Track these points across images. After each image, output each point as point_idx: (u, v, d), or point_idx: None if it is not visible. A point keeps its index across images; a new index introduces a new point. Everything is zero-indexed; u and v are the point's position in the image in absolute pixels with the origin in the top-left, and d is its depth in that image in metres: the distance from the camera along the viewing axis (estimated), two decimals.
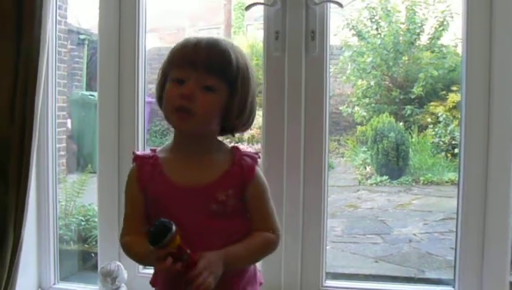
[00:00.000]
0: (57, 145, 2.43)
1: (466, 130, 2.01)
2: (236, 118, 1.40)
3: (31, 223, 2.26)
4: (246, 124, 1.44)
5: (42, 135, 2.25)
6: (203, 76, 1.34)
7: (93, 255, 2.74)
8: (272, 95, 2.11)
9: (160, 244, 1.23)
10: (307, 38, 2.05)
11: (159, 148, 1.47)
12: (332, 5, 2.06)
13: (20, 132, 2.00)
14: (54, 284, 2.35)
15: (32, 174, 2.08)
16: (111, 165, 2.24)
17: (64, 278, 2.42)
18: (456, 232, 2.09)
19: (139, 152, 1.48)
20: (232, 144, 1.51)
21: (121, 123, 2.23)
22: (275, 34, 2.06)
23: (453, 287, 2.08)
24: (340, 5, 2.04)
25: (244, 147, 1.41)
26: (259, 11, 2.15)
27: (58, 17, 2.38)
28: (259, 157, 1.45)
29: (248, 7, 2.12)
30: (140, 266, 2.24)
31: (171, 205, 1.38)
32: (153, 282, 1.50)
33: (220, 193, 1.38)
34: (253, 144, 6.02)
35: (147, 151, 1.47)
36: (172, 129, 1.44)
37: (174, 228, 1.24)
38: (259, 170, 1.44)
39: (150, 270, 2.20)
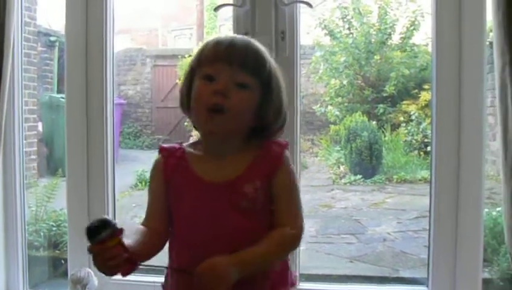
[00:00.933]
0: (28, 149, 2.39)
1: (437, 128, 2.02)
2: (274, 118, 1.34)
3: None
4: (282, 126, 1.38)
5: (9, 139, 2.20)
6: (237, 72, 1.28)
7: (63, 261, 2.68)
8: None
9: (95, 239, 1.19)
10: (277, 39, 2.03)
11: (186, 143, 1.41)
12: (302, 5, 2.05)
13: None
14: None
15: None
16: (80, 169, 2.20)
17: (33, 285, 2.38)
18: (429, 230, 2.09)
19: (165, 144, 1.41)
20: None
21: (89, 126, 2.19)
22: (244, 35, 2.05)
23: (427, 286, 2.08)
24: (310, 5, 2.03)
25: None
26: (230, 12, 2.13)
27: (27, 19, 2.35)
28: (287, 145, 1.37)
29: (217, 8, 2.10)
30: None
31: (196, 201, 1.31)
32: (164, 287, 1.42)
33: (247, 185, 1.30)
34: None
35: (174, 144, 1.40)
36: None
37: (114, 226, 1.20)
38: (288, 157, 1.36)
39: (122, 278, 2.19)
